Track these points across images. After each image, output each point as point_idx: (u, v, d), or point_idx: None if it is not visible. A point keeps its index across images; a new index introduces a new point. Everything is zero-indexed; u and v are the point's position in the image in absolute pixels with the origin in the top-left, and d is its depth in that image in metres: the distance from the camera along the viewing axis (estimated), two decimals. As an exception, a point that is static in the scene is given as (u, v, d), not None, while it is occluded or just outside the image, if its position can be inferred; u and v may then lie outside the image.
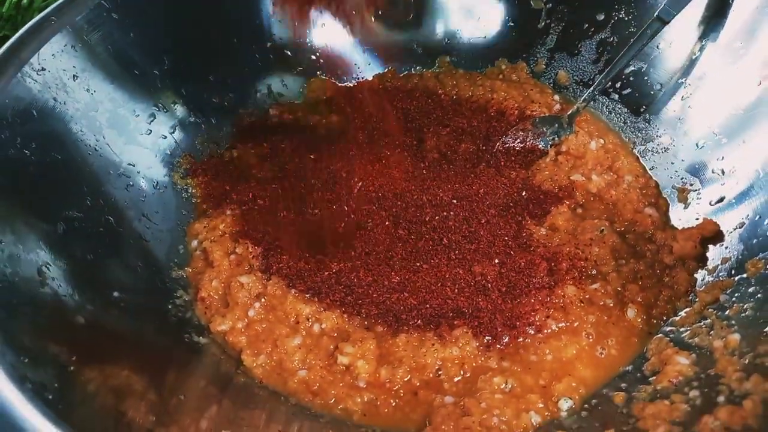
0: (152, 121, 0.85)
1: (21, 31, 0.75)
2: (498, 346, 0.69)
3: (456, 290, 0.72)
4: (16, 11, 1.00)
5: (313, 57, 1.01)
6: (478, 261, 0.75)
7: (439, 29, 1.03)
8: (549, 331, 0.70)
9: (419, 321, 0.70)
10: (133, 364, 0.61)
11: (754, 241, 0.70)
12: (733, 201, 0.76)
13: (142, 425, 0.55)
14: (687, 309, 0.70)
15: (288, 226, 0.81)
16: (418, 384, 0.66)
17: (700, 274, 0.73)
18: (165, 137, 0.87)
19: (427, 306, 0.71)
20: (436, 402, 0.64)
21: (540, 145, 0.91)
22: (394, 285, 0.73)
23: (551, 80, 1.01)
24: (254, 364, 0.68)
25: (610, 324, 0.70)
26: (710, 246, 0.75)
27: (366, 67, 1.04)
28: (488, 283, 0.73)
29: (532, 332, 0.69)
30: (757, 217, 0.72)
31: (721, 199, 0.77)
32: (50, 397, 0.48)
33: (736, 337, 0.61)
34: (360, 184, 0.86)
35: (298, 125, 0.97)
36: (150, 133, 0.85)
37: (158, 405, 0.58)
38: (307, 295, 0.74)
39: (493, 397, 0.64)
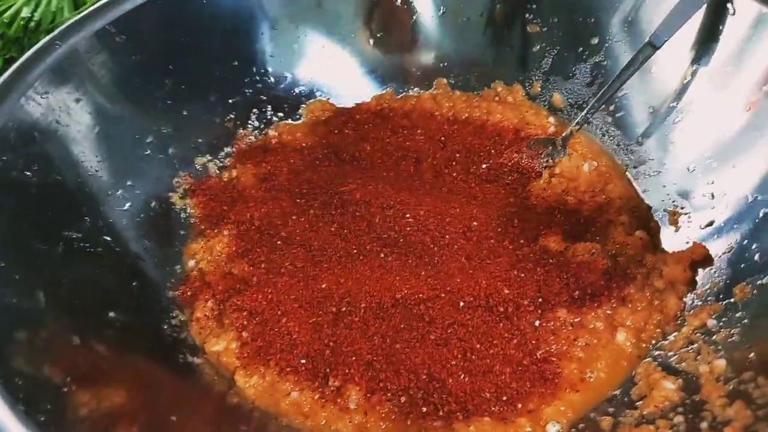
0: (152, 141, 0.87)
1: (26, 55, 0.77)
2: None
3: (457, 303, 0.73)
4: (23, 33, 1.02)
5: (312, 80, 1.03)
6: (473, 278, 0.75)
7: (436, 52, 1.05)
8: (540, 353, 0.70)
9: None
10: (128, 384, 0.62)
11: (742, 265, 0.71)
12: (723, 225, 0.77)
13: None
14: (675, 333, 0.70)
15: (285, 248, 0.82)
16: (409, 409, 0.67)
17: (689, 298, 0.74)
18: (164, 157, 0.88)
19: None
20: (426, 425, 0.65)
21: (535, 167, 0.92)
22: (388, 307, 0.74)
23: (546, 102, 1.02)
24: (247, 385, 0.69)
25: (599, 347, 0.71)
26: (699, 270, 0.76)
27: (364, 89, 1.06)
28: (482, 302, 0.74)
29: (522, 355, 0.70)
30: (745, 241, 0.72)
31: (711, 223, 0.78)
32: (43, 419, 0.49)
33: (722, 363, 0.61)
34: (357, 203, 0.87)
35: (297, 146, 0.99)
36: (150, 154, 0.86)
37: (152, 426, 0.60)
38: (302, 313, 0.75)
39: (482, 420, 0.64)
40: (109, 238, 0.76)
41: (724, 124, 0.80)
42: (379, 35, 1.04)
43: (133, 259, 0.78)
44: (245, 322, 0.74)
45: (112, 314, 0.68)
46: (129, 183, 0.82)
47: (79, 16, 0.82)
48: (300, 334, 0.72)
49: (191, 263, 0.82)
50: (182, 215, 0.87)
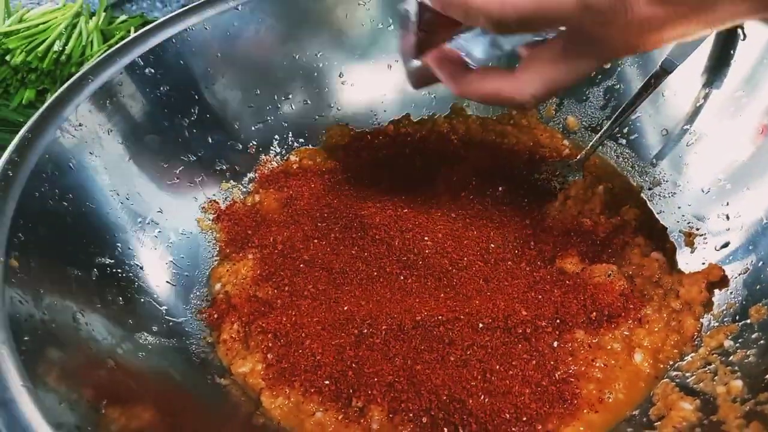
0: (180, 169, 0.90)
1: (61, 89, 0.81)
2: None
3: (476, 325, 0.75)
4: (54, 66, 1.07)
5: (331, 105, 1.06)
6: (491, 300, 0.77)
7: (452, 77, 1.07)
8: (558, 374, 0.72)
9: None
10: (158, 405, 0.65)
11: (758, 287, 0.72)
12: (738, 247, 0.78)
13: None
14: (693, 354, 0.71)
15: (308, 271, 0.85)
16: (430, 429, 0.68)
17: (705, 319, 0.75)
18: (192, 184, 0.92)
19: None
20: (446, 444, 0.67)
21: (550, 189, 0.94)
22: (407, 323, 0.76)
23: (561, 125, 1.04)
24: (273, 405, 0.72)
25: (617, 368, 0.72)
26: (716, 291, 0.77)
27: (382, 114, 1.08)
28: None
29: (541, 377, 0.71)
30: (761, 263, 0.73)
31: (726, 244, 0.79)
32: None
33: (738, 384, 0.62)
34: (377, 226, 0.89)
35: (318, 170, 1.02)
36: (178, 181, 0.90)
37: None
38: (325, 335, 0.77)
39: (502, 443, 0.66)
40: (139, 264, 0.79)
41: (737, 147, 0.82)
42: (396, 60, 1.07)
43: (163, 284, 0.81)
44: (270, 344, 0.77)
45: (144, 337, 0.71)
46: (158, 210, 0.85)
47: (110, 51, 0.86)
48: (323, 355, 0.74)
49: (218, 286, 0.85)
50: (209, 240, 0.90)
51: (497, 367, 0.71)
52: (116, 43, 1.06)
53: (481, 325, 0.75)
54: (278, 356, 0.76)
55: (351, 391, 0.71)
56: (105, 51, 0.87)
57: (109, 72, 0.84)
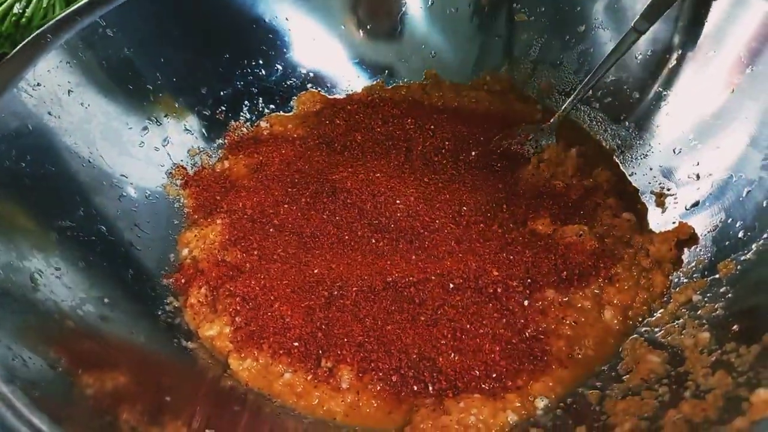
0: (145, 133, 0.88)
1: (17, 48, 0.78)
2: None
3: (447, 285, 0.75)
4: (15, 29, 1.03)
5: (303, 71, 1.04)
6: (463, 261, 0.76)
7: (425, 42, 1.06)
8: (529, 332, 0.72)
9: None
10: (125, 367, 0.63)
11: (726, 243, 0.72)
12: (708, 204, 0.78)
13: (135, 427, 0.57)
14: (662, 310, 0.72)
15: (277, 235, 0.83)
16: (400, 387, 0.68)
17: (675, 276, 0.75)
18: (158, 149, 0.89)
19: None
20: (417, 402, 0.66)
21: (523, 153, 0.94)
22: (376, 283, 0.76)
23: (535, 90, 1.03)
24: (241, 368, 0.70)
25: (587, 325, 0.72)
26: (685, 249, 0.77)
27: (355, 80, 1.07)
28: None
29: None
30: (729, 219, 0.74)
31: (697, 203, 0.79)
32: (38, 394, 0.50)
33: (706, 336, 0.62)
34: (348, 190, 0.88)
35: (289, 137, 1.00)
36: (143, 145, 0.87)
37: (150, 407, 0.60)
38: (294, 298, 0.76)
39: (472, 397, 0.65)
40: (103, 227, 0.77)
41: (706, 105, 0.82)
42: (368, 26, 1.05)
43: (127, 248, 0.79)
44: (238, 308, 0.75)
45: (107, 300, 0.69)
46: (122, 174, 0.83)
47: (70, 10, 0.83)
48: (292, 317, 0.73)
49: (185, 252, 0.83)
50: (176, 205, 0.88)
51: (467, 326, 0.71)
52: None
53: (452, 286, 0.75)
54: (246, 319, 0.74)
55: (320, 351, 0.71)
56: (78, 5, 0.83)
57: (70, 32, 0.81)
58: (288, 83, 1.04)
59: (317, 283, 0.77)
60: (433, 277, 0.76)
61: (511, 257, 0.77)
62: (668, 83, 0.88)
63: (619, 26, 0.93)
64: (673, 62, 0.88)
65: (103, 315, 0.67)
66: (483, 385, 0.66)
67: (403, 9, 1.05)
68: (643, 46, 0.89)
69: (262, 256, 0.81)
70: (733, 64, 0.79)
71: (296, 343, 0.72)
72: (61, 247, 0.70)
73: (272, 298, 0.76)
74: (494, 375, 0.67)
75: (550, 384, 0.66)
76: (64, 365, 0.56)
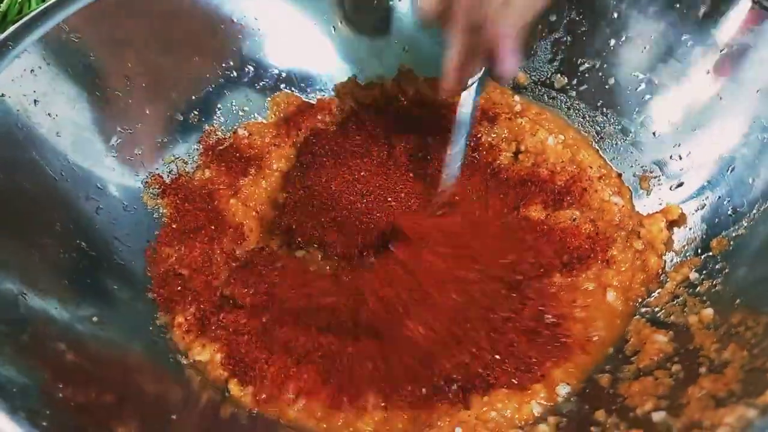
0: (118, 142, 0.84)
1: (-23, 57, 0.73)
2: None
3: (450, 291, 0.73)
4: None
5: (275, 72, 1.01)
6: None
7: (400, 37, 1.05)
8: (548, 318, 0.71)
9: None
10: (121, 385, 0.60)
11: (716, 220, 0.74)
12: (693, 184, 0.79)
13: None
14: (659, 290, 0.73)
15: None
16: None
17: (668, 256, 0.76)
18: (131, 158, 0.85)
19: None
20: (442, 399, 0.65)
21: (492, 142, 0.94)
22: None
23: (511, 82, 1.03)
24: (242, 394, 0.67)
25: (594, 307, 0.73)
26: (675, 229, 0.78)
27: (329, 78, 1.05)
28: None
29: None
30: (717, 197, 0.75)
31: (681, 184, 0.81)
32: (45, 424, 0.46)
33: (709, 312, 0.64)
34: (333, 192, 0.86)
35: (271, 143, 0.97)
36: (116, 155, 0.83)
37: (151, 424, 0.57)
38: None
39: (499, 392, 0.65)
40: (82, 243, 0.72)
41: (685, 89, 0.83)
42: (341, 23, 1.04)
43: (110, 262, 0.74)
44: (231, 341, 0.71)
45: (95, 318, 0.65)
46: (98, 186, 0.79)
47: (32, 14, 0.78)
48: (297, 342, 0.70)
49: (167, 264, 0.80)
50: (155, 215, 0.84)
51: (497, 321, 0.69)
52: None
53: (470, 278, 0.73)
54: (240, 354, 0.70)
55: (339, 389, 0.67)
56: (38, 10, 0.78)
57: (30, 38, 0.76)
58: (261, 84, 1.01)
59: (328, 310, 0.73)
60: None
61: (515, 244, 0.77)
62: (645, 68, 0.89)
63: (592, 13, 0.94)
64: (648, 45, 0.89)
65: (94, 333, 0.63)
66: (513, 380, 0.65)
67: (375, 3, 1.04)
68: (619, 32, 0.91)
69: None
70: (712, 47, 0.81)
71: (305, 376, 0.68)
72: (42, 265, 0.65)
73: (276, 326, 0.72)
74: (523, 367, 0.66)
75: (570, 370, 0.67)
76: (63, 390, 0.52)
